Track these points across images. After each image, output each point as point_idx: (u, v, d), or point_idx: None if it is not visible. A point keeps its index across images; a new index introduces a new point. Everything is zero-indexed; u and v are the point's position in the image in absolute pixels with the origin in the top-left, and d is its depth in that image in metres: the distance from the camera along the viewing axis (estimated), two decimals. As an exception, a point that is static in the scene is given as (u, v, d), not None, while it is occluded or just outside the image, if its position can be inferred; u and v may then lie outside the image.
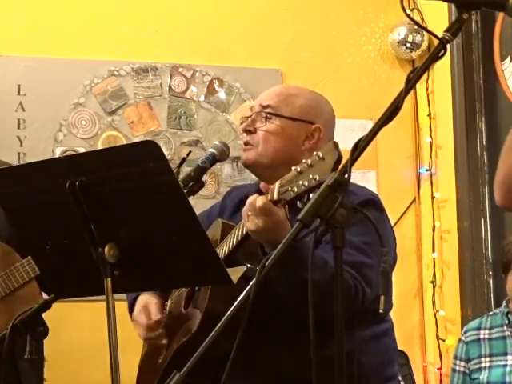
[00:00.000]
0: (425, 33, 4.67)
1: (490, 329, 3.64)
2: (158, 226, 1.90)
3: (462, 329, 3.85)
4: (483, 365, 3.59)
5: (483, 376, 3.57)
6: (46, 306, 2.15)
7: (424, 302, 4.69)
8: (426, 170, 4.69)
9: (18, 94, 4.26)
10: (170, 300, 2.43)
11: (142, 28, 4.46)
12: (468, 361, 3.65)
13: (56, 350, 3.59)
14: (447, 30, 1.61)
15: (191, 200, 1.98)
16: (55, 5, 4.36)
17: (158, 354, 2.40)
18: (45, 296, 2.89)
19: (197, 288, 2.29)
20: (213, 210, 2.55)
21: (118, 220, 1.91)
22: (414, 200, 4.75)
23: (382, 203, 2.30)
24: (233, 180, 4.46)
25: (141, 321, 2.38)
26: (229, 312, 1.50)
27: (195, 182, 2.39)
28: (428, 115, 4.68)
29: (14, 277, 3.21)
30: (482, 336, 3.63)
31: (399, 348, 2.56)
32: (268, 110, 2.35)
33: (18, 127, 4.25)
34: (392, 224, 2.40)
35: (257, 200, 2.01)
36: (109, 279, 1.88)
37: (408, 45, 4.67)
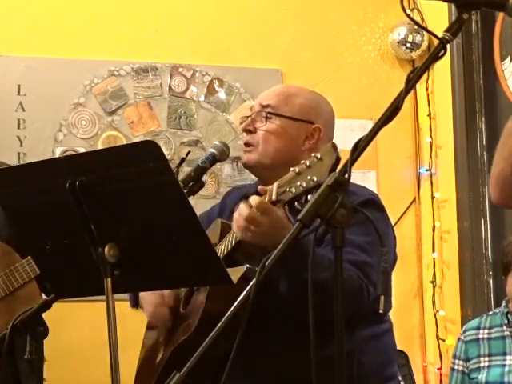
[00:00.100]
0: (425, 33, 4.67)
1: (490, 328, 3.63)
2: (158, 225, 1.90)
3: (461, 329, 3.85)
4: (482, 364, 3.59)
5: (482, 376, 3.57)
6: (46, 306, 2.15)
7: (424, 302, 4.69)
8: (426, 170, 4.69)
9: (18, 94, 4.26)
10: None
11: (142, 28, 4.46)
12: (467, 360, 3.65)
13: (56, 350, 3.59)
14: (447, 30, 1.61)
15: (191, 200, 1.98)
16: (55, 5, 4.36)
17: (155, 353, 2.40)
18: (44, 296, 2.89)
19: (195, 288, 2.30)
20: (213, 211, 2.55)
21: (118, 220, 1.91)
22: (414, 200, 4.75)
23: (382, 203, 2.30)
24: (233, 180, 4.46)
25: (152, 298, 2.37)
26: (229, 312, 1.50)
27: (195, 181, 2.39)
28: (428, 115, 4.68)
29: (13, 277, 3.21)
30: (481, 336, 3.63)
31: (399, 348, 2.56)
32: (268, 110, 2.35)
33: (18, 127, 4.25)
34: (392, 224, 2.41)
35: (253, 200, 2.02)
36: (109, 279, 1.89)
37: (408, 45, 4.67)
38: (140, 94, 4.45)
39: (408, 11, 4.49)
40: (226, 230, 2.25)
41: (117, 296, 1.91)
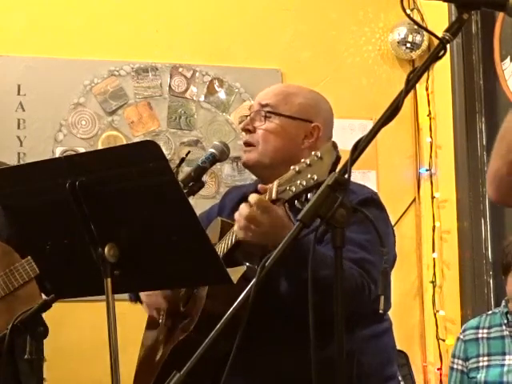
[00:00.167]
0: (425, 33, 4.67)
1: (489, 328, 3.63)
2: (157, 226, 1.90)
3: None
4: (481, 364, 3.59)
5: (481, 375, 3.56)
6: (46, 306, 2.15)
7: (424, 302, 4.69)
8: (426, 170, 4.69)
9: (18, 94, 4.26)
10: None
11: (142, 28, 4.46)
12: (466, 359, 3.65)
13: (56, 350, 3.59)
14: (447, 30, 1.61)
15: (191, 200, 1.98)
16: (55, 5, 4.36)
17: (155, 351, 2.40)
18: (44, 296, 2.89)
19: (195, 286, 2.30)
20: (212, 211, 2.55)
21: (118, 220, 1.91)
22: (414, 200, 4.75)
23: (382, 201, 2.30)
24: (233, 180, 4.46)
25: None
26: (229, 312, 1.50)
27: (195, 181, 2.39)
28: (428, 115, 4.68)
29: (13, 277, 3.21)
30: (480, 335, 3.63)
31: (399, 348, 2.56)
32: (267, 109, 2.35)
33: (18, 127, 4.25)
34: (392, 222, 2.41)
35: (252, 198, 2.02)
36: (109, 279, 1.89)
37: (408, 45, 4.67)
38: (140, 94, 4.45)
39: (408, 11, 4.49)
40: (226, 228, 2.25)
41: (117, 296, 1.91)
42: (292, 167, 1.93)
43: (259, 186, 2.09)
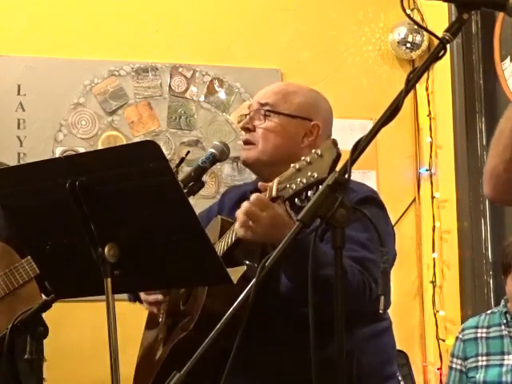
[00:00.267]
0: (425, 33, 4.67)
1: (488, 327, 3.63)
2: (158, 225, 1.90)
3: (461, 328, 3.86)
4: (480, 363, 3.59)
5: (480, 375, 3.56)
6: (46, 306, 2.15)
7: (424, 302, 4.69)
8: (426, 170, 4.69)
9: (18, 94, 4.26)
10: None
11: (142, 28, 4.46)
12: (465, 359, 3.64)
13: (56, 350, 3.59)
14: (447, 30, 1.61)
15: (191, 200, 1.98)
16: (55, 5, 4.36)
17: (155, 350, 2.40)
18: (44, 296, 2.89)
19: (195, 285, 2.30)
20: (211, 210, 2.55)
21: (118, 220, 1.91)
22: (414, 200, 4.75)
23: (382, 199, 2.30)
24: (233, 180, 4.46)
25: None
26: (229, 312, 1.50)
27: (195, 181, 2.39)
28: (428, 115, 4.68)
29: (13, 277, 3.21)
30: (479, 335, 3.63)
31: (399, 348, 2.56)
32: (266, 108, 2.36)
33: (18, 127, 4.26)
34: (391, 220, 2.40)
35: (251, 196, 2.01)
36: (109, 279, 1.88)
37: (408, 45, 4.67)
38: (140, 94, 4.45)
39: (408, 11, 4.49)
40: (226, 226, 2.25)
41: (117, 296, 1.91)
42: (292, 165, 1.93)
43: (259, 183, 2.09)
